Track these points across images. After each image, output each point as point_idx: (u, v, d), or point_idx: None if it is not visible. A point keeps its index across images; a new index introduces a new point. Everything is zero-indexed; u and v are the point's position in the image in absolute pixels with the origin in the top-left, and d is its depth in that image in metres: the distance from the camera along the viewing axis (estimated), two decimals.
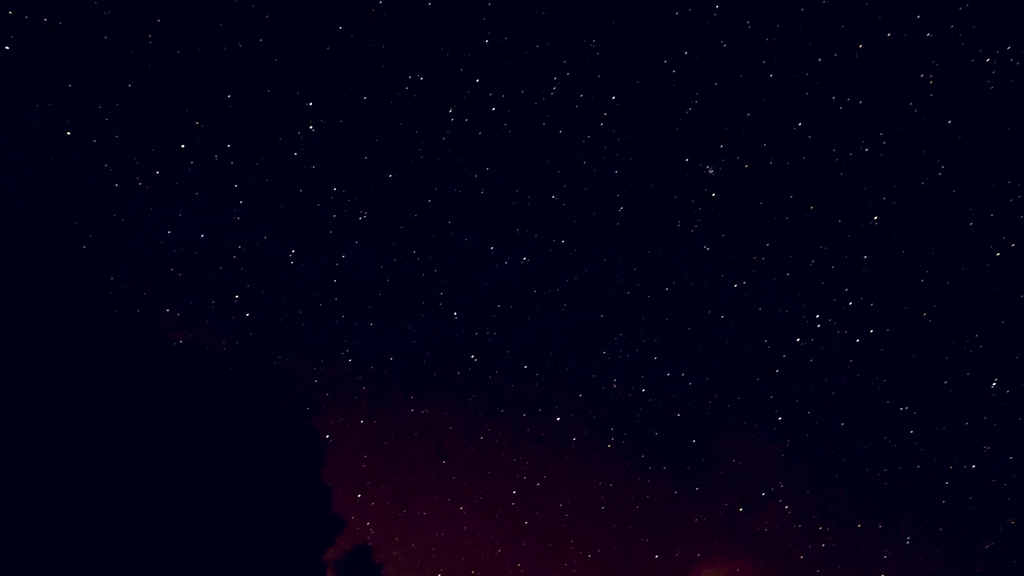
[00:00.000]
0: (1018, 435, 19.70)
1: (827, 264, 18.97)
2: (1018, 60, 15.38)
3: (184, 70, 15.67)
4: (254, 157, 17.25)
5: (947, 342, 19.39)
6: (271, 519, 11.07)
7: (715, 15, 15.84)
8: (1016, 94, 15.86)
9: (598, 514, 23.41)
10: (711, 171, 18.24)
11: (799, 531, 22.51)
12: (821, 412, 21.19)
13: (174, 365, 10.55)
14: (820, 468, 21.97)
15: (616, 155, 18.24)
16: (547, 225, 19.35)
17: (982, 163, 16.96)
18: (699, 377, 21.34)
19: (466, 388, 21.68)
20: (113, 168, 16.16)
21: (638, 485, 22.97)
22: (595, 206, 18.95)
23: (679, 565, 23.67)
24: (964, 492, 20.67)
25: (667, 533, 23.75)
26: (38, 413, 8.74)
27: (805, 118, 17.11)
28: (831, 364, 20.35)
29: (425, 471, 22.61)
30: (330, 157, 17.74)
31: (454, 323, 20.54)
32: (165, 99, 15.93)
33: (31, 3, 13.49)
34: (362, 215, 18.64)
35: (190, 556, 9.91)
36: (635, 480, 22.91)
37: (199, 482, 10.12)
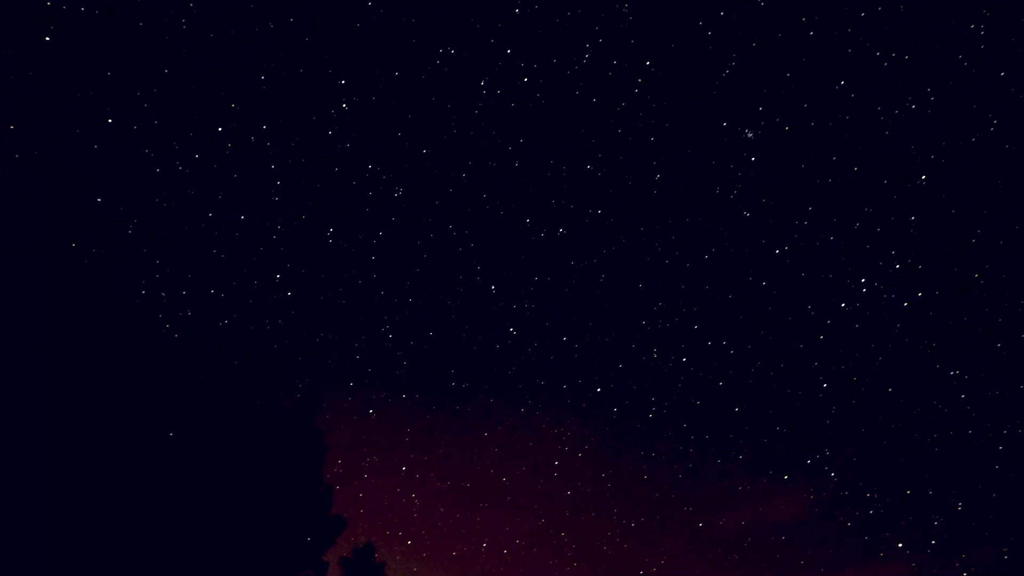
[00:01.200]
0: None
1: (873, 226, 18.49)
2: None
3: (218, 53, 15.80)
4: (289, 138, 17.40)
5: (998, 304, 18.81)
6: (272, 518, 11.05)
7: None
8: None
9: (641, 484, 23.48)
10: (750, 135, 17.82)
11: (846, 498, 22.29)
12: (868, 378, 20.83)
13: (174, 365, 10.48)
14: (867, 435, 21.67)
15: (652, 122, 17.94)
16: (583, 195, 19.21)
17: None
18: (741, 345, 21.12)
19: (505, 361, 21.82)
20: (154, 153, 16.46)
21: (680, 454, 22.95)
22: (632, 174, 18.72)
23: (723, 532, 23.67)
24: (1017, 457, 20.19)
25: (711, 502, 23.74)
26: (38, 402, 8.80)
27: (848, 75, 16.58)
28: (878, 329, 19.94)
29: (468, 443, 22.91)
30: (364, 135, 17.80)
31: (492, 297, 20.62)
32: (201, 83, 16.11)
33: None
34: (397, 192, 18.72)
35: (191, 555, 9.93)
36: (677, 449, 22.88)
37: (200, 481, 10.15)
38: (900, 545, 21.73)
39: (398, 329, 20.84)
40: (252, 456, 10.80)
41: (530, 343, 21.49)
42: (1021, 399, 19.61)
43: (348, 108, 17.18)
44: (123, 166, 16.20)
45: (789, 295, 20.06)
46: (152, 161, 16.46)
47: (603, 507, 23.62)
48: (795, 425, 21.90)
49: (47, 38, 13.95)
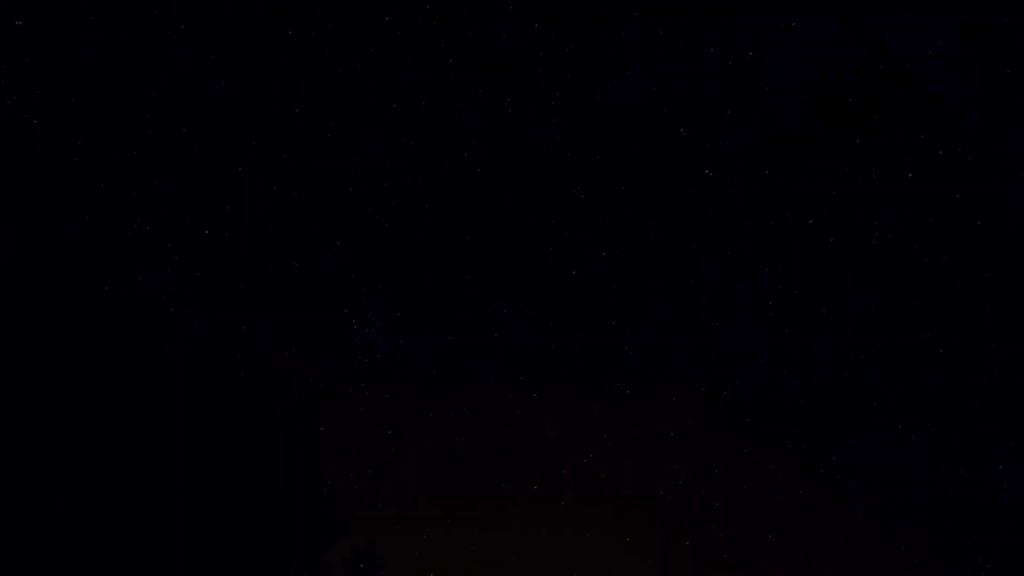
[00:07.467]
0: None
1: None
2: None
3: None
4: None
5: None
6: (272, 518, 11.06)
7: None
8: None
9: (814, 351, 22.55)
10: None
11: None
12: None
13: (168, 365, 10.45)
14: None
15: None
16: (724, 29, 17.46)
17: None
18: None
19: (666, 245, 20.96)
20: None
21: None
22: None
23: None
24: None
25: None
26: (25, 410, 8.83)
27: None
28: None
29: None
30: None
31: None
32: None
33: None
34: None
35: (189, 556, 10.07)
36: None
37: (198, 481, 10.23)
38: None
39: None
40: (250, 455, 10.94)
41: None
42: None
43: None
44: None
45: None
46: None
47: (779, 376, 23.00)
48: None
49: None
